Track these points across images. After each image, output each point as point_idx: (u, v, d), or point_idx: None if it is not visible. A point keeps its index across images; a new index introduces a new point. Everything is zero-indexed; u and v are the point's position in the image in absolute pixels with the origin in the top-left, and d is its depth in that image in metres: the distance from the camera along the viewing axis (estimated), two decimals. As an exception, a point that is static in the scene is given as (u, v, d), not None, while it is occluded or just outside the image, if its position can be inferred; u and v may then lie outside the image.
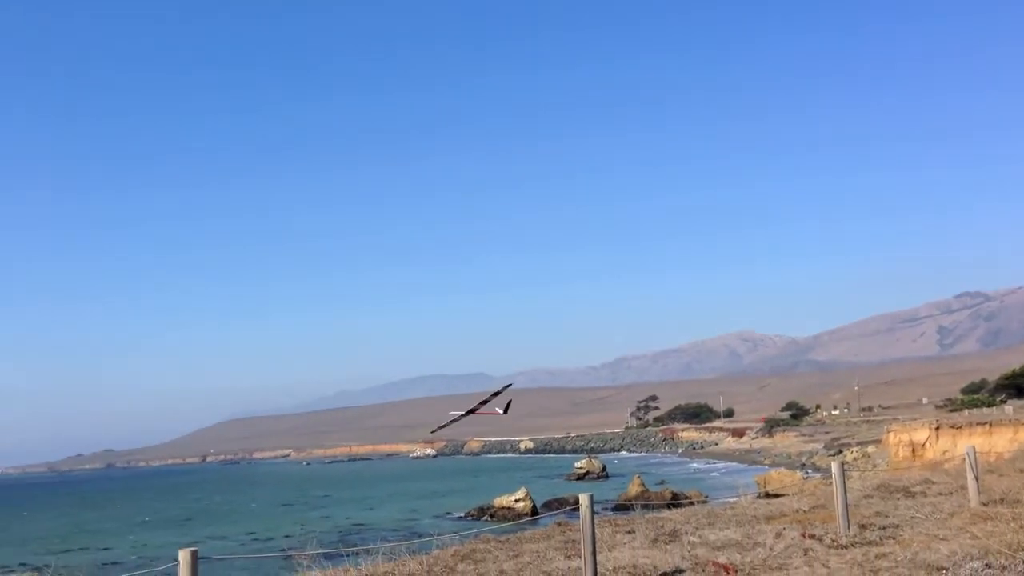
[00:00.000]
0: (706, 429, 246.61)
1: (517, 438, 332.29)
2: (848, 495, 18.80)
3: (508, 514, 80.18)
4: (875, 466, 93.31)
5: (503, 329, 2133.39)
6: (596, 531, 15.65)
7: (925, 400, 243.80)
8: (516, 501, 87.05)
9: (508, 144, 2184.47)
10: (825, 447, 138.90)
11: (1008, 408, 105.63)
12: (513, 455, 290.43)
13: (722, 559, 13.71)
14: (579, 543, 13.03)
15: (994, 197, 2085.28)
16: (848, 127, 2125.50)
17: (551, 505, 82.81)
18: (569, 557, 14.43)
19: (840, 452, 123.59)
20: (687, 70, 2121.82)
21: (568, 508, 46.72)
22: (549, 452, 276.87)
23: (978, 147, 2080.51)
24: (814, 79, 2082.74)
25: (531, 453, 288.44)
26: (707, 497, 74.66)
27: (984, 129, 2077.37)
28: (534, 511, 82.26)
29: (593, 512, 12.67)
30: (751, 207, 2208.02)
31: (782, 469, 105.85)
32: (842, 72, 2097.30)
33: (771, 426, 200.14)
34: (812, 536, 14.90)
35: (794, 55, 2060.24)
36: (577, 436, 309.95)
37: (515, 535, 17.66)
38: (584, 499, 12.73)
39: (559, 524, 18.91)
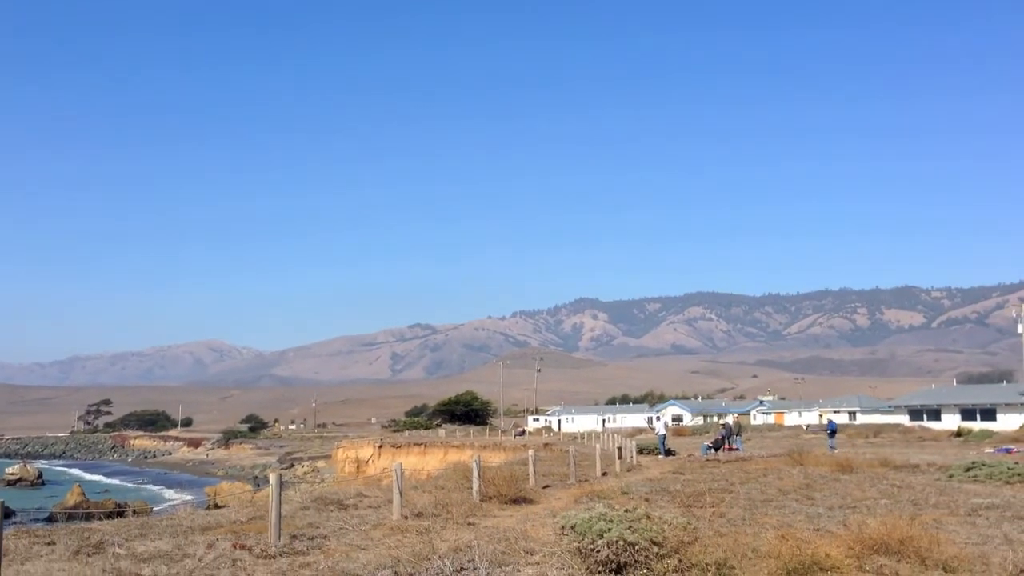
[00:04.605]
0: (161, 438, 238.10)
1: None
2: (286, 506, 19.42)
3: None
4: (323, 480, 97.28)
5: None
6: (6, 542, 14.40)
7: (374, 420, 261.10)
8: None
9: None
10: (279, 460, 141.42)
11: (441, 431, 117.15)
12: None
13: (147, 571, 13.28)
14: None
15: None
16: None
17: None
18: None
19: (292, 466, 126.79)
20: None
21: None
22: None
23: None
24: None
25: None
26: (152, 508, 72.50)
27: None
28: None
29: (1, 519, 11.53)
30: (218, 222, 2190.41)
31: (235, 481, 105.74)
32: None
33: (228, 438, 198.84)
34: (244, 547, 15.02)
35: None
36: (12, 439, 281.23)
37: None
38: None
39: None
